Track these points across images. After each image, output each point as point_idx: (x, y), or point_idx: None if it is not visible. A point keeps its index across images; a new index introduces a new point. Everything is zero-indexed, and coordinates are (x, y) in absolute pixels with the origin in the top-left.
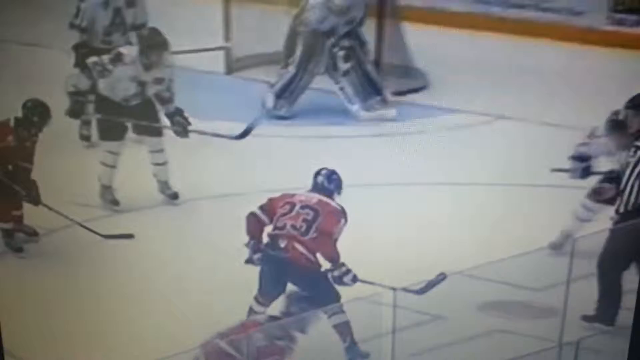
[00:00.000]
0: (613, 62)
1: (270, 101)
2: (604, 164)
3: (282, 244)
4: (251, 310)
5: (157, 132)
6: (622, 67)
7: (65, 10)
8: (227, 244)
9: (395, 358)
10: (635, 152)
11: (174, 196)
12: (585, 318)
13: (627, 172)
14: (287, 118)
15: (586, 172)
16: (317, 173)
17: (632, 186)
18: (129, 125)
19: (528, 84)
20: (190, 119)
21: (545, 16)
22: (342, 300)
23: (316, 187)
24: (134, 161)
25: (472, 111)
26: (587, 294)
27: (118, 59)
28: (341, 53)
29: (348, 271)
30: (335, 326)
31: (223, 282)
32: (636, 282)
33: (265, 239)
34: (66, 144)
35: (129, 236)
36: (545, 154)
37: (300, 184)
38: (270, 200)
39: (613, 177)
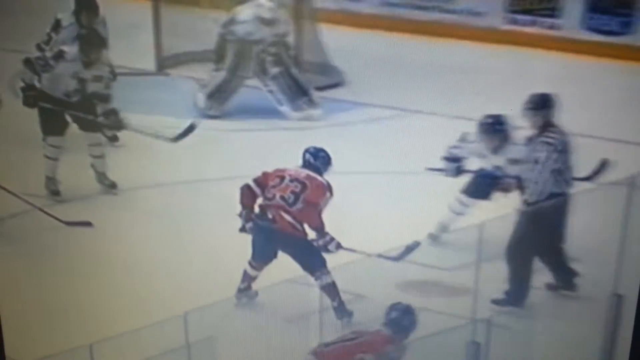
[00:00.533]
0: (513, 60)
1: (201, 102)
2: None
3: (270, 215)
4: (245, 274)
5: (95, 128)
6: (520, 65)
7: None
8: (166, 229)
9: (323, 334)
10: (542, 147)
11: (113, 186)
12: (495, 302)
13: (538, 166)
14: (218, 117)
15: (458, 171)
16: (306, 151)
17: (542, 178)
18: (70, 121)
19: (436, 80)
20: (127, 115)
21: (448, 17)
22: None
23: (304, 164)
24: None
25: (384, 105)
26: (498, 275)
27: (60, 55)
28: (269, 59)
29: (332, 239)
30: (322, 287)
31: (160, 264)
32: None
33: (256, 209)
34: (16, 137)
35: (88, 224)
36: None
37: (233, 173)
38: (264, 173)
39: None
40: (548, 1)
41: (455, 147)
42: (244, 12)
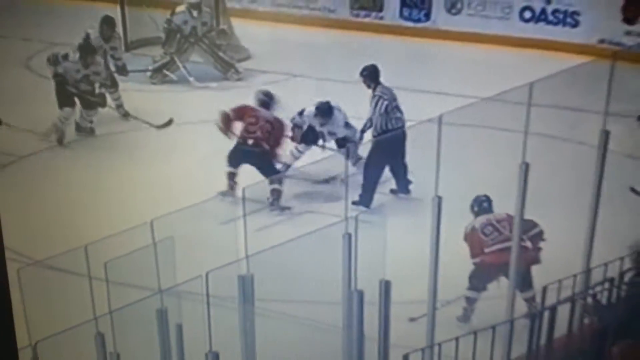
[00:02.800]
0: (356, 40)
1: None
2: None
3: (250, 142)
4: (230, 174)
5: (92, 106)
6: (359, 44)
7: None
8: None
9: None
10: (376, 101)
11: (92, 132)
12: (353, 202)
13: (373, 111)
14: (155, 84)
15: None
16: (261, 93)
17: (378, 119)
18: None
19: (308, 53)
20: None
21: (314, 12)
22: None
23: (261, 104)
24: None
25: (278, 72)
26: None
27: (66, 57)
28: (203, 46)
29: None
30: (272, 190)
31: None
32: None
33: (237, 133)
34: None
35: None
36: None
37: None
38: (240, 107)
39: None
40: (374, 1)
41: (294, 117)
42: (179, 7)
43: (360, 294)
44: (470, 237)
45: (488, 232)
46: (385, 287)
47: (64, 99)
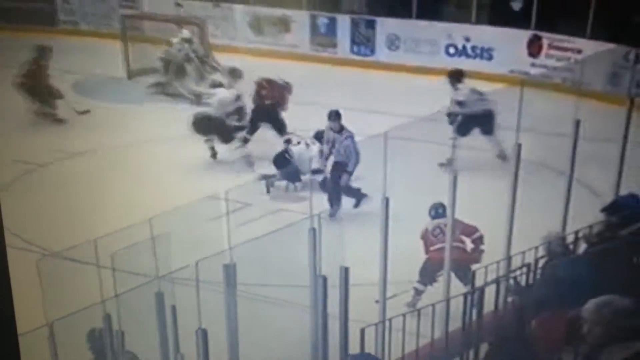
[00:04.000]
0: (318, 72)
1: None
2: None
3: (266, 102)
4: (245, 139)
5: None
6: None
7: None
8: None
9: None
10: (343, 140)
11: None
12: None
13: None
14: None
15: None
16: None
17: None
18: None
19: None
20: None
21: (282, 48)
22: None
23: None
24: None
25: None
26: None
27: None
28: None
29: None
30: (284, 140)
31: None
32: None
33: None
34: None
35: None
36: None
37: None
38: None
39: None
40: (332, 40)
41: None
42: (175, 39)
43: (324, 279)
44: (424, 236)
45: (436, 233)
46: (345, 273)
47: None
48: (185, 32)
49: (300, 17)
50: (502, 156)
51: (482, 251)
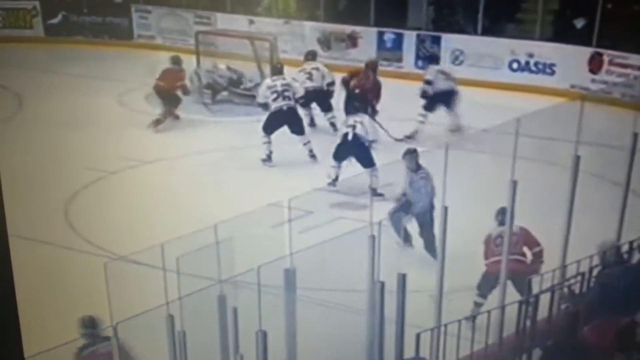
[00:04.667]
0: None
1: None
2: None
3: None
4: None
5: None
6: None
7: None
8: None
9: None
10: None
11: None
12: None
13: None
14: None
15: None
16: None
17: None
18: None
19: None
20: None
21: (349, 63)
22: None
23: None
24: None
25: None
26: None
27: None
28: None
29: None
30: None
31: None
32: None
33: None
34: None
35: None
36: None
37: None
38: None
39: None
40: (398, 55)
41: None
42: (221, 65)
43: (382, 284)
44: (487, 242)
45: (498, 242)
46: (402, 279)
47: None
48: (208, 64)
49: (368, 34)
50: (456, 130)
51: (541, 262)
